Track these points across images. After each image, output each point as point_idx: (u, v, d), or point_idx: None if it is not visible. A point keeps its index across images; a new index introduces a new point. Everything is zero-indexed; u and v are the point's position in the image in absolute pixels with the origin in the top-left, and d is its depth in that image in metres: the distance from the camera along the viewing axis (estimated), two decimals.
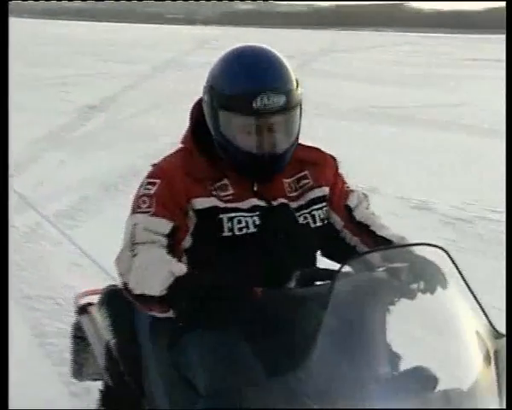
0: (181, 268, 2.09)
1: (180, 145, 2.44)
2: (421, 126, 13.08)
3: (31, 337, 4.53)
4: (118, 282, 2.35)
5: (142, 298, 2.12)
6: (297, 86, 2.26)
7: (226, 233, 2.24)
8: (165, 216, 2.21)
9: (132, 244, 2.20)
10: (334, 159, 2.55)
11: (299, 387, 1.80)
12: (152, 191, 2.26)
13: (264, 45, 2.35)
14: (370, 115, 14.30)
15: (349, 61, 29.48)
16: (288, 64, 2.29)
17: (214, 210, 2.24)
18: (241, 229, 2.24)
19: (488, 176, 9.24)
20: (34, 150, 10.19)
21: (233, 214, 2.24)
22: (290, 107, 2.22)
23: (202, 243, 2.26)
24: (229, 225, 2.23)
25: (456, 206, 7.74)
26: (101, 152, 10.14)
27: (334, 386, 1.78)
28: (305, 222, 2.35)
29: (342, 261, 1.89)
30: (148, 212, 2.22)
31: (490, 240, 6.69)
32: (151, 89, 18.05)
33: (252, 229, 2.25)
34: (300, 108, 2.29)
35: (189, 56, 28.24)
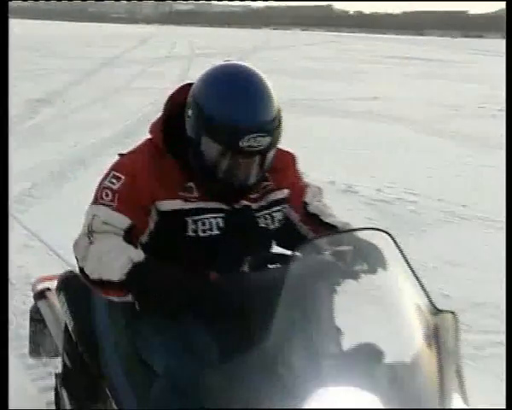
0: (139, 254, 2.01)
1: (148, 136, 2.30)
2: (344, 116, 13.24)
3: None
4: (72, 266, 2.29)
5: (100, 283, 2.03)
6: (279, 122, 2.15)
7: (190, 234, 2.16)
8: (125, 213, 2.11)
9: (89, 232, 2.11)
10: (292, 156, 2.48)
11: (255, 367, 1.76)
12: (115, 187, 2.14)
13: (251, 67, 2.21)
14: (298, 107, 14.39)
15: (280, 57, 29.65)
16: (273, 91, 2.17)
17: (179, 212, 2.15)
18: (204, 231, 2.16)
19: (403, 161, 9.39)
20: None
21: (197, 217, 2.16)
22: (273, 146, 2.14)
23: (164, 241, 2.18)
24: (194, 226, 2.15)
25: (377, 189, 7.82)
26: (48, 142, 10.02)
27: (287, 363, 1.74)
28: (264, 224, 2.28)
29: (295, 247, 1.86)
30: (110, 206, 2.12)
31: (404, 218, 6.83)
32: (96, 83, 17.79)
33: (215, 231, 2.17)
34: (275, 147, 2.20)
35: (133, 53, 28.06)
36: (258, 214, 2.26)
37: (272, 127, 2.09)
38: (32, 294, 3.24)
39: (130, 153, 2.28)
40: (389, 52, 35.80)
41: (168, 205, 2.14)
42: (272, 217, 2.29)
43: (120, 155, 2.30)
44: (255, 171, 2.15)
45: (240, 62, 2.26)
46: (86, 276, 2.07)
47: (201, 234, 2.15)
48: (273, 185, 2.32)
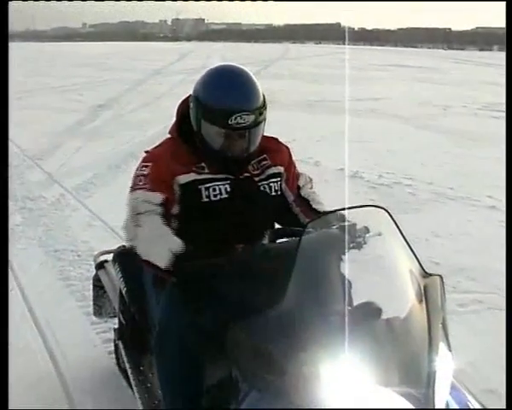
0: (178, 244, 2.09)
1: (168, 136, 2.42)
2: (350, 114, 13.14)
3: (58, 281, 4.51)
4: (124, 242, 2.34)
5: (148, 263, 2.13)
6: (264, 104, 2.26)
7: (204, 200, 2.24)
8: (157, 190, 2.21)
9: (135, 215, 2.19)
10: (287, 148, 2.54)
11: (274, 323, 1.78)
12: (146, 172, 2.26)
13: (241, 66, 2.33)
14: (311, 107, 14.36)
15: (295, 66, 29.51)
16: (258, 84, 2.28)
17: (194, 183, 2.25)
18: (215, 195, 2.25)
19: (400, 151, 9.33)
20: (57, 140, 10.05)
21: (208, 185, 2.25)
22: (256, 124, 2.23)
23: (186, 209, 2.25)
24: (206, 193, 2.24)
25: (379, 175, 7.78)
26: (106, 140, 10.08)
27: (303, 319, 1.75)
28: (265, 190, 2.35)
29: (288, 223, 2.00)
30: (145, 188, 2.22)
31: (401, 198, 6.77)
32: (144, 91, 17.83)
33: (224, 195, 2.25)
34: (264, 122, 2.29)
35: (175, 65, 28.06)
36: (258, 184, 2.34)
37: (255, 108, 2.21)
38: (93, 264, 3.28)
39: (154, 148, 2.39)
40: (387, 61, 35.49)
41: (185, 178, 2.24)
42: (270, 187, 2.36)
43: (146, 151, 2.39)
44: (247, 144, 2.25)
45: (232, 64, 2.39)
46: (138, 255, 2.16)
47: (213, 198, 2.24)
48: (270, 162, 2.40)
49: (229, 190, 2.26)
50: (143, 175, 2.25)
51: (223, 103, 2.17)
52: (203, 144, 2.26)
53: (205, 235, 2.22)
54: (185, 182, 2.24)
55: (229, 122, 2.16)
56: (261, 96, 2.25)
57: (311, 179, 2.58)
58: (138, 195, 2.22)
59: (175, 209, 2.25)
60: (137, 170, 2.30)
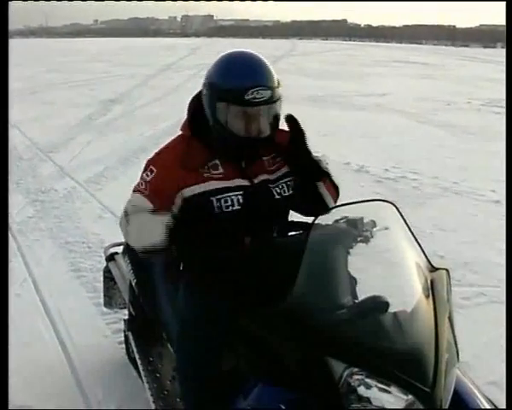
0: (170, 220, 2.09)
1: (179, 132, 2.32)
2: (356, 109, 13.13)
3: (70, 272, 4.50)
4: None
5: (144, 251, 2.12)
6: (278, 85, 2.16)
7: (216, 211, 2.14)
8: (151, 200, 2.14)
9: (125, 214, 2.20)
10: None
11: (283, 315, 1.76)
12: (148, 178, 2.18)
13: (251, 50, 2.25)
14: (317, 102, 14.30)
15: (302, 62, 29.43)
16: (271, 67, 2.20)
17: (206, 194, 2.14)
18: (227, 207, 2.14)
19: (405, 146, 9.29)
20: (69, 134, 10.05)
21: (220, 196, 2.14)
22: (274, 100, 2.13)
23: (192, 220, 2.16)
24: (218, 204, 2.13)
25: (385, 169, 7.75)
26: (117, 134, 10.05)
27: (311, 312, 1.73)
28: (279, 193, 2.23)
29: (314, 216, 1.86)
30: (143, 193, 2.17)
31: (406, 192, 6.74)
32: (155, 86, 17.80)
33: (236, 206, 2.14)
34: (280, 103, 2.18)
35: (185, 60, 28.03)
36: (273, 185, 2.23)
37: (271, 84, 2.12)
38: (104, 256, 3.27)
39: (164, 148, 2.29)
40: (393, 57, 35.33)
41: (196, 189, 2.14)
42: (288, 185, 2.25)
43: (157, 153, 2.29)
44: (264, 123, 2.14)
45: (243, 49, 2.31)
46: (132, 248, 2.18)
47: (225, 209, 2.13)
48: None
49: (241, 201, 2.15)
50: (145, 181, 2.18)
51: (238, 81, 2.09)
52: (218, 133, 2.16)
53: (214, 238, 2.13)
54: (196, 193, 2.15)
55: (246, 97, 2.06)
56: (275, 76, 2.17)
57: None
58: (133, 198, 2.19)
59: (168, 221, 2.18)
60: (144, 171, 2.22)
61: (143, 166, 2.25)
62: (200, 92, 2.28)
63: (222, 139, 2.16)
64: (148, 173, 2.19)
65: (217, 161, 2.19)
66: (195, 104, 2.29)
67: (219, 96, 2.12)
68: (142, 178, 2.21)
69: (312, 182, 2.24)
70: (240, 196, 2.15)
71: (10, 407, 2.57)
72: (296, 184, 2.26)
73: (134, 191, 2.21)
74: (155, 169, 2.18)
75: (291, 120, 2.21)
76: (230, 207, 2.13)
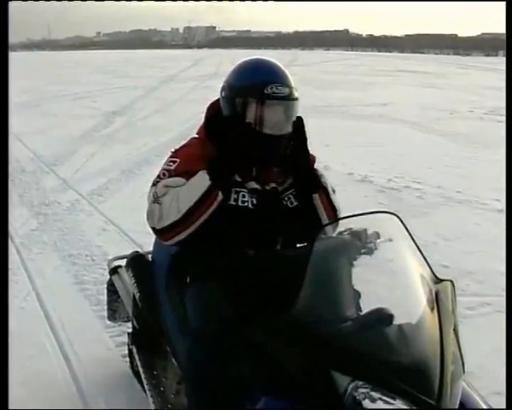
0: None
1: (195, 135, 2.36)
2: (358, 119, 13.14)
3: (73, 285, 4.48)
4: (138, 247, 2.32)
5: (168, 227, 2.12)
6: (295, 87, 2.22)
7: (231, 202, 2.17)
8: (181, 176, 2.17)
9: (155, 198, 2.17)
10: (313, 158, 2.41)
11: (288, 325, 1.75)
12: (172, 167, 2.21)
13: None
14: (320, 112, 14.29)
15: (304, 72, 29.49)
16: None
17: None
18: (243, 202, 2.18)
19: (408, 155, 9.27)
20: (72, 146, 10.06)
21: (239, 189, 2.19)
22: (292, 98, 2.19)
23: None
24: (235, 196, 2.18)
25: (388, 179, 7.73)
26: (120, 145, 10.07)
27: (315, 325, 1.72)
28: (287, 203, 2.27)
29: (318, 228, 1.91)
30: (171, 175, 2.19)
31: (410, 202, 6.72)
32: (157, 97, 17.84)
33: (250, 206, 2.18)
34: (297, 106, 2.24)
35: (187, 71, 28.08)
36: (283, 195, 2.27)
37: (289, 83, 2.19)
38: (107, 268, 3.26)
39: (182, 146, 2.32)
40: (395, 67, 35.39)
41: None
42: (295, 196, 2.28)
43: (174, 151, 2.32)
44: (282, 120, 2.18)
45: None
46: (167, 229, 2.14)
47: (240, 204, 2.17)
48: None
49: (255, 202, 2.19)
50: (168, 170, 2.20)
51: (256, 78, 2.16)
52: (236, 129, 2.17)
53: (222, 234, 2.17)
54: None
55: (266, 91, 2.12)
56: (291, 79, 2.22)
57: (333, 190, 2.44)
58: (161, 184, 2.18)
59: None
60: (164, 165, 2.25)
61: (165, 159, 2.28)
62: (215, 101, 2.34)
63: (239, 138, 2.17)
64: (171, 164, 2.22)
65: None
66: (212, 110, 2.34)
67: (238, 93, 2.18)
68: (163, 169, 2.23)
69: (308, 192, 2.25)
70: (254, 198, 2.19)
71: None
72: (298, 195, 2.28)
73: (154, 184, 2.21)
74: (178, 159, 2.22)
75: (299, 122, 2.24)
76: (246, 204, 2.18)
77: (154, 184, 2.22)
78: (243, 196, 2.17)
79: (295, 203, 2.27)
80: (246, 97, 2.14)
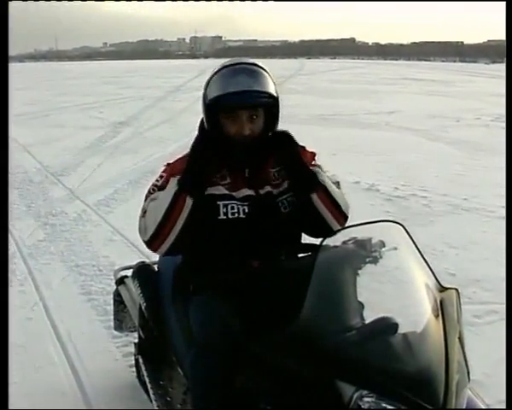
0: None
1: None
2: (365, 128, 13.12)
3: (80, 295, 4.49)
4: (145, 257, 2.33)
5: (152, 238, 2.17)
6: (269, 89, 2.18)
7: (221, 216, 2.18)
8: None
9: (144, 213, 2.23)
10: (312, 153, 2.42)
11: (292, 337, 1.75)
12: (159, 183, 2.26)
13: (245, 59, 2.29)
14: (326, 121, 14.33)
15: (310, 81, 29.54)
16: (264, 71, 2.23)
17: (213, 197, 2.19)
18: (233, 214, 2.18)
19: (415, 163, 9.26)
20: (79, 157, 10.14)
21: (227, 202, 2.19)
22: (256, 104, 2.18)
23: (200, 223, 2.18)
24: (224, 210, 2.18)
25: (395, 187, 7.72)
26: (126, 156, 10.12)
27: (319, 334, 1.73)
28: (281, 209, 2.26)
29: (322, 238, 1.86)
30: (157, 189, 2.24)
31: (417, 211, 6.71)
32: (164, 107, 17.90)
33: (241, 215, 2.18)
34: (273, 106, 2.22)
35: (194, 81, 28.14)
36: (277, 200, 2.25)
37: (257, 88, 2.15)
38: (113, 279, 3.27)
39: (174, 161, 2.34)
40: (401, 75, 35.43)
41: (206, 190, 2.18)
42: (289, 202, 2.26)
43: (167, 164, 2.35)
44: (249, 125, 2.17)
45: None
46: (152, 240, 2.19)
47: (230, 216, 2.17)
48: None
49: (247, 211, 2.19)
50: (156, 186, 2.25)
51: (224, 89, 2.14)
52: (220, 141, 2.21)
53: (219, 249, 2.19)
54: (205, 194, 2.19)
55: (232, 103, 2.13)
56: (266, 81, 2.19)
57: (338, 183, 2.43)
58: (148, 200, 2.23)
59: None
60: (154, 180, 2.29)
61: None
62: None
63: (222, 148, 2.21)
64: (159, 179, 2.27)
65: (225, 172, 2.24)
66: (202, 124, 2.32)
67: (210, 106, 2.19)
68: (152, 184, 2.28)
69: (305, 193, 2.23)
70: (246, 207, 2.19)
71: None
72: (294, 199, 2.26)
73: (145, 200, 2.26)
74: (165, 173, 2.26)
75: (283, 137, 2.27)
76: (236, 215, 2.18)
77: (144, 200, 2.26)
78: (232, 208, 2.17)
79: (288, 209, 2.26)
80: (216, 109, 2.18)
